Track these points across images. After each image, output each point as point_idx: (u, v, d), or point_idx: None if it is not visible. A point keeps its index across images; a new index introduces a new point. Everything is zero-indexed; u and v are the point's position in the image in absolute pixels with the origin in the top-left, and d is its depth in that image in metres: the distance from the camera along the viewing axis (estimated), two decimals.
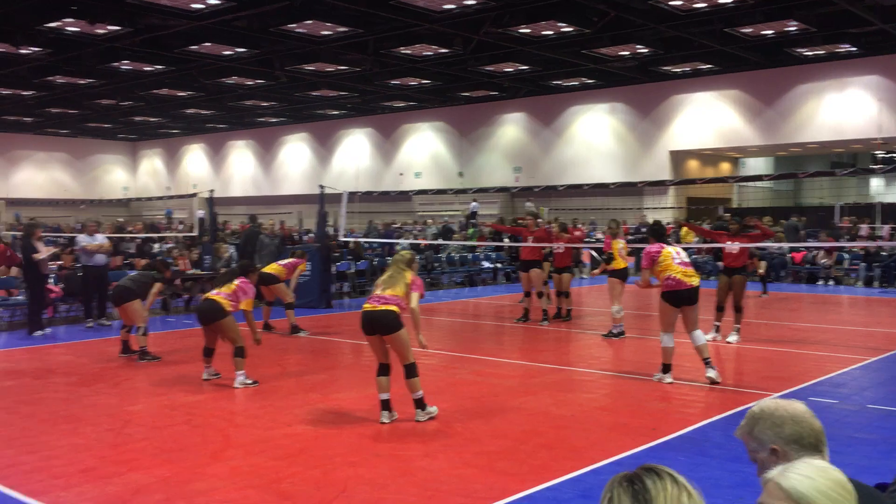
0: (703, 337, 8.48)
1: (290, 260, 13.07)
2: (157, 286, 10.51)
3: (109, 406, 7.70)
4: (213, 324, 8.47)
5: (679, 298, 8.37)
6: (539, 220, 14.22)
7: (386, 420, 6.89)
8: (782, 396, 7.60)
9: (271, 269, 12.75)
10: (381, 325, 6.75)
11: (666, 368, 8.59)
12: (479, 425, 6.86)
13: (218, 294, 8.56)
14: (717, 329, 11.48)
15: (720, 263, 12.68)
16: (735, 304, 11.34)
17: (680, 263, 8.39)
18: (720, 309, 11.45)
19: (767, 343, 11.39)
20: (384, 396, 6.92)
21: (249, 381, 8.38)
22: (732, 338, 11.24)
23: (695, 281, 8.38)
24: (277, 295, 12.69)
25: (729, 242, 11.41)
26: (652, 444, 6.29)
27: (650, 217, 28.12)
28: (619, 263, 11.82)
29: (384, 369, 6.92)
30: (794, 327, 13.15)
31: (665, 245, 8.56)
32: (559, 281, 13.50)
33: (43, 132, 46.47)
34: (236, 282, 8.65)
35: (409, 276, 7.02)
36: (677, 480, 1.69)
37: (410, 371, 6.87)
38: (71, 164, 49.61)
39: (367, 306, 6.87)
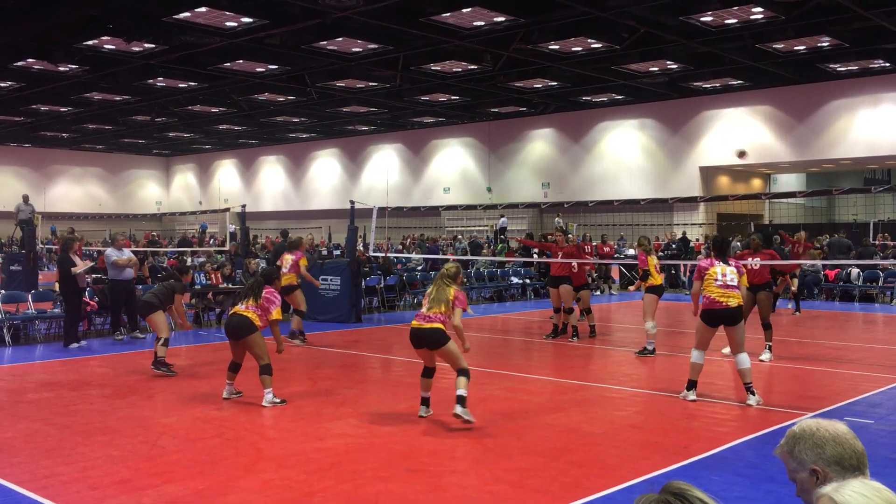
0: (747, 361, 8.29)
1: (290, 259, 13.05)
2: (183, 297, 10.57)
3: (144, 418, 7.80)
4: (242, 339, 8.38)
5: (714, 318, 8.28)
6: (569, 236, 14.23)
7: (423, 414, 7.60)
8: (817, 416, 7.50)
9: (284, 279, 12.86)
10: (429, 341, 7.35)
11: (690, 385, 8.49)
12: (510, 441, 6.85)
13: (246, 309, 8.44)
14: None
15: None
16: (762, 322, 11.26)
17: (721, 286, 8.23)
18: None
19: (801, 361, 11.25)
20: (425, 395, 7.66)
21: (278, 400, 8.29)
22: (765, 356, 11.12)
23: (731, 302, 8.21)
24: (291, 303, 12.79)
25: (750, 259, 11.36)
26: (684, 462, 6.23)
27: (681, 233, 27.95)
28: (655, 280, 11.74)
29: (428, 372, 7.60)
30: (828, 346, 12.96)
31: (716, 263, 8.39)
32: (577, 298, 13.53)
33: (79, 147, 47.37)
34: (263, 293, 8.52)
35: (453, 291, 7.45)
36: None
37: (464, 373, 7.38)
38: (106, 179, 50.47)
39: (415, 324, 7.45)
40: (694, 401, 8.35)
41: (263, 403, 8.23)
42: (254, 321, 8.35)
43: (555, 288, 13.39)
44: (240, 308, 8.55)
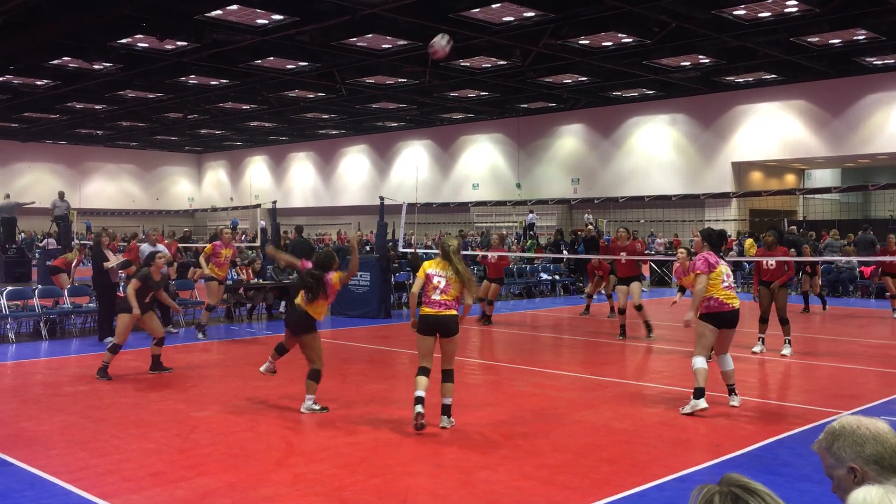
0: (731, 363, 8.01)
1: (227, 253, 13.52)
2: (133, 283, 9.67)
3: (177, 412, 7.88)
4: (299, 336, 7.89)
5: (721, 320, 7.82)
6: (636, 232, 13.98)
7: (420, 410, 7.00)
8: (856, 413, 7.37)
9: (215, 272, 13.36)
10: (445, 328, 7.11)
11: (699, 393, 7.64)
12: (540, 438, 6.83)
13: (312, 304, 7.82)
14: (763, 341, 11.45)
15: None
16: (780, 317, 11.22)
17: (727, 287, 7.90)
18: (764, 321, 11.37)
19: (837, 359, 11.08)
20: (421, 393, 7.11)
21: (317, 408, 7.85)
22: (786, 350, 11.13)
23: (736, 303, 7.93)
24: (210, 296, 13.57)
25: (766, 259, 11.40)
26: (717, 460, 6.17)
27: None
28: None
29: (425, 371, 7.20)
30: (864, 343, 12.76)
31: (721, 261, 8.03)
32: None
33: (113, 144, 48.03)
34: (321, 288, 7.82)
35: (462, 269, 7.21)
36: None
37: (451, 376, 7.16)
38: (139, 176, 51.13)
39: (430, 311, 7.13)
40: (706, 409, 7.61)
41: (302, 409, 7.80)
42: (315, 317, 7.87)
43: (626, 286, 13.24)
44: (302, 303, 7.93)
